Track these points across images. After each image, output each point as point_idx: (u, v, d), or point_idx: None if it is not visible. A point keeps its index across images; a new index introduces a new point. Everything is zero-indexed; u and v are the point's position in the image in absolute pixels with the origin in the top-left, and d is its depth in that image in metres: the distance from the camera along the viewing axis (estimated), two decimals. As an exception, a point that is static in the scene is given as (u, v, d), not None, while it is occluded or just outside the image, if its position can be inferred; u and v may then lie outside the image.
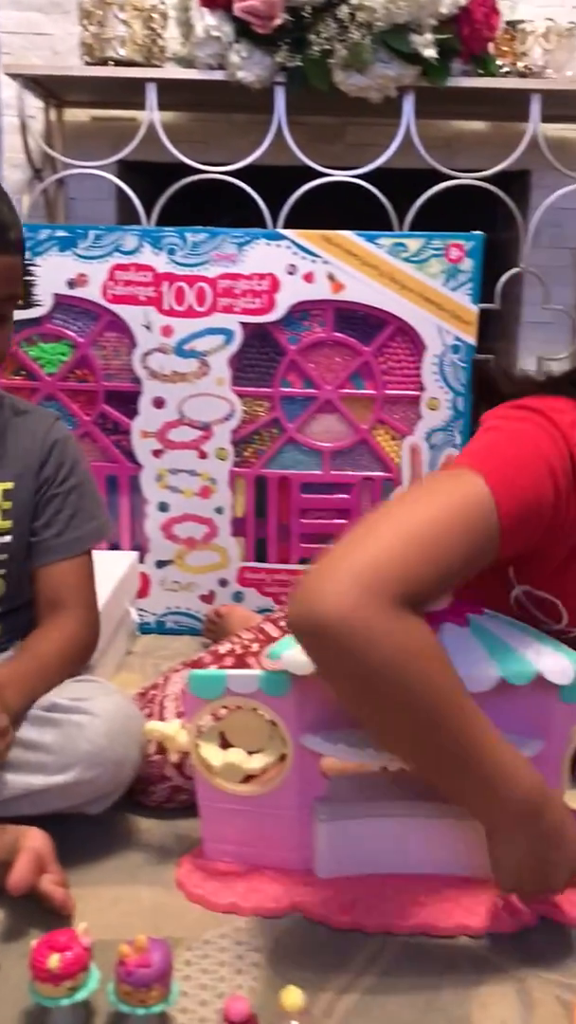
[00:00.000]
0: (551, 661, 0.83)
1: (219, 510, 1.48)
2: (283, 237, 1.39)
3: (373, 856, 0.90)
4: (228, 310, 1.40)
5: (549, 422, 0.83)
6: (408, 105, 1.73)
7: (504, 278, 1.81)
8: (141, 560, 1.50)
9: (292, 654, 0.85)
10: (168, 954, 0.71)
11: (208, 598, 1.51)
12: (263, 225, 1.73)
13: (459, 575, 0.79)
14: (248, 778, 0.91)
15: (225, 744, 0.91)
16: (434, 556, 0.75)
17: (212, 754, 0.89)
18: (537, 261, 2.10)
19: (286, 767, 0.89)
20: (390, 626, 0.71)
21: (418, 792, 0.92)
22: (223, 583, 1.51)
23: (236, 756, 0.89)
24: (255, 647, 1.11)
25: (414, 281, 1.39)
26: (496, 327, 2.28)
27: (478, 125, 2.11)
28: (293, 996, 0.71)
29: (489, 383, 1.00)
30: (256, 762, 0.89)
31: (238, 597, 1.51)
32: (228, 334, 1.41)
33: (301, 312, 1.42)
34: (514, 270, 1.82)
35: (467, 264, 1.39)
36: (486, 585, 0.91)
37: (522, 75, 1.79)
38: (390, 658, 0.71)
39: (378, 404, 1.44)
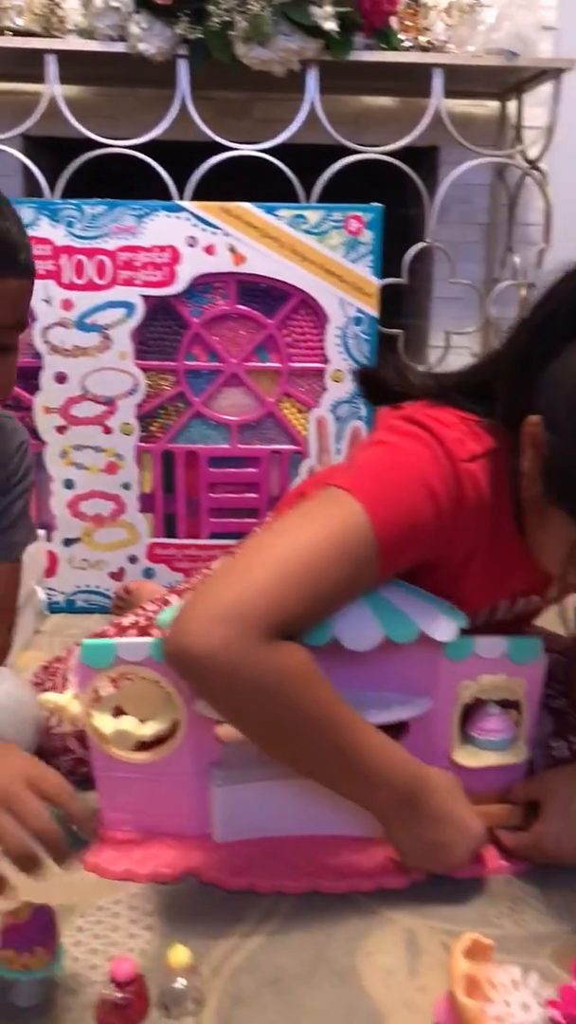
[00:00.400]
0: (434, 620, 0.85)
1: (126, 486, 1.47)
2: (183, 209, 1.38)
3: (269, 819, 0.91)
4: (129, 283, 1.39)
5: (435, 440, 0.81)
6: (312, 79, 1.72)
7: (411, 252, 1.82)
8: (48, 539, 1.48)
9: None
10: (50, 918, 0.71)
11: (118, 575, 1.51)
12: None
13: (337, 601, 0.81)
14: (148, 747, 0.92)
15: (121, 714, 0.91)
16: (305, 587, 0.77)
17: (104, 722, 0.89)
18: (447, 237, 2.12)
19: (180, 733, 0.89)
20: (255, 659, 0.74)
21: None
22: (133, 560, 1.50)
23: (128, 723, 0.89)
24: (158, 619, 1.11)
25: (315, 253, 1.39)
26: (409, 303, 2.30)
27: (385, 101, 2.11)
28: (180, 954, 0.72)
29: (378, 383, 1.00)
30: (148, 729, 0.89)
31: (148, 573, 1.50)
32: (130, 307, 1.40)
33: (203, 285, 1.41)
34: (420, 244, 1.83)
35: (367, 236, 1.40)
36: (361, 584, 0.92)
37: (424, 50, 1.79)
38: (256, 688, 0.75)
39: (283, 377, 1.44)
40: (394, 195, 2.10)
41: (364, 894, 0.85)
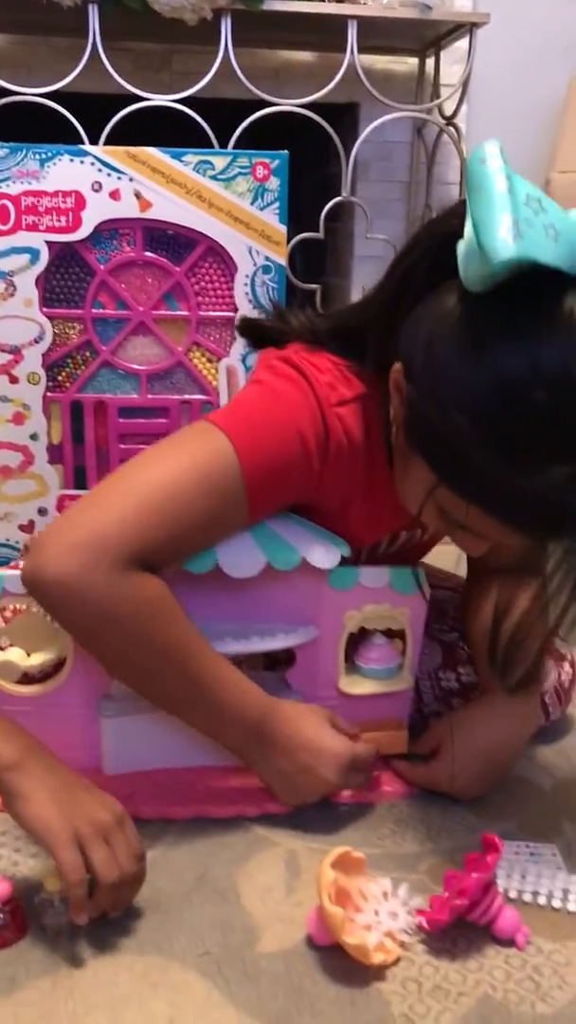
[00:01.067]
0: (316, 547, 0.86)
1: (34, 437, 1.45)
2: (87, 154, 1.36)
3: (158, 751, 0.91)
4: (33, 228, 1.36)
5: (308, 384, 0.82)
6: (225, 28, 1.71)
7: (327, 207, 1.82)
8: (-44, 490, 1.45)
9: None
10: None
11: (27, 528, 1.49)
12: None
13: (202, 536, 0.81)
14: (40, 682, 0.91)
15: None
16: (167, 518, 0.77)
17: (-11, 656, 0.89)
18: (369, 195, 2.13)
19: (68, 666, 0.89)
20: (108, 587, 0.75)
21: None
22: (42, 512, 1.49)
23: (13, 655, 0.89)
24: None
25: (221, 200, 1.38)
26: (332, 262, 2.30)
27: (305, 56, 2.10)
28: (55, 878, 0.72)
29: (259, 330, 1.00)
30: (34, 660, 0.89)
31: (59, 525, 1.49)
32: (34, 253, 1.37)
33: (110, 231, 1.39)
34: (337, 199, 1.83)
35: (274, 183, 1.39)
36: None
37: (339, 1, 1.79)
38: (108, 616, 0.76)
39: (192, 326, 1.43)
40: (317, 154, 2.10)
41: (250, 820, 0.87)
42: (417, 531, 0.97)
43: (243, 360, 1.45)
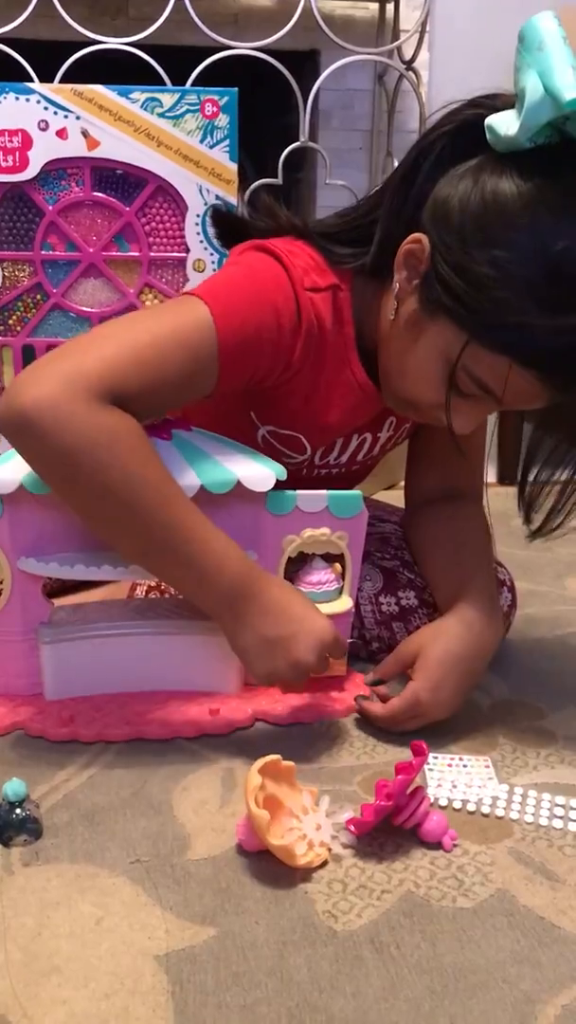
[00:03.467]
0: (251, 469, 0.86)
1: (-13, 381, 1.44)
2: (32, 91, 1.34)
3: (98, 677, 0.92)
4: (-21, 168, 1.35)
5: (283, 267, 0.85)
6: (179, -31, 1.68)
7: (285, 153, 1.80)
8: None
9: (-3, 474, 0.84)
10: None
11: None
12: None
13: (173, 392, 0.82)
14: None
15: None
16: (144, 364, 0.79)
17: None
18: (331, 144, 2.11)
19: (5, 593, 0.89)
20: (82, 413, 0.74)
21: (144, 614, 0.95)
22: (-3, 457, 1.48)
23: (-52, 584, 0.89)
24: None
25: (170, 137, 1.37)
26: (293, 210, 2.28)
27: (264, 1, 2.07)
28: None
29: (233, 225, 1.01)
30: (-31, 587, 0.89)
31: (14, 471, 1.48)
32: (-19, 194, 1.36)
33: (58, 170, 1.38)
34: (295, 144, 1.81)
35: (223, 120, 1.38)
36: (233, 427, 0.94)
37: None
38: (80, 442, 0.74)
39: (144, 267, 1.42)
40: (280, 102, 2.07)
41: (189, 740, 0.88)
42: (366, 438, 0.98)
43: (196, 303, 1.44)
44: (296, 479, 0.99)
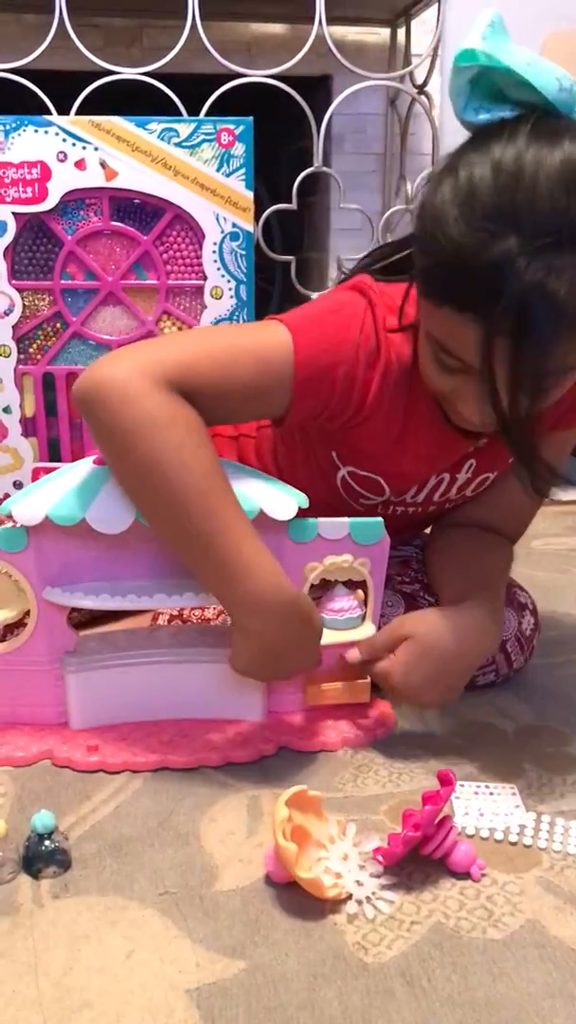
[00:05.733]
0: (273, 498, 0.86)
1: (7, 410, 1.46)
2: (51, 124, 1.36)
3: (124, 705, 0.92)
4: (-1, 200, 1.37)
5: (368, 304, 0.87)
6: (193, 1, 1.70)
7: (300, 178, 1.82)
8: None
9: (22, 508, 0.85)
10: None
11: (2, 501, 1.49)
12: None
13: (241, 401, 0.85)
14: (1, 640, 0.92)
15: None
16: (220, 365, 0.83)
17: (-48, 614, 0.90)
18: (344, 167, 2.13)
19: (31, 623, 0.90)
20: (149, 392, 0.78)
21: (168, 642, 0.95)
22: (17, 485, 1.50)
23: (-24, 613, 0.89)
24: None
25: (187, 167, 1.39)
26: (310, 237, 2.30)
27: (276, 28, 2.10)
28: None
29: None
30: (-3, 616, 0.89)
31: (35, 498, 1.49)
32: (1, 225, 1.38)
33: (76, 201, 1.40)
34: (309, 170, 1.83)
35: (239, 149, 1.39)
36: (315, 466, 0.99)
37: (306, -30, 1.78)
38: (141, 417, 0.78)
39: (162, 295, 1.44)
40: (294, 128, 2.10)
41: (214, 768, 0.88)
42: (444, 478, 0.98)
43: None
44: (370, 514, 1.00)
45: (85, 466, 0.88)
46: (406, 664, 0.88)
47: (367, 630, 0.93)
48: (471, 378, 0.78)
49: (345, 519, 0.90)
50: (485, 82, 0.74)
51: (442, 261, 0.73)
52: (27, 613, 0.90)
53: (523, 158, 0.70)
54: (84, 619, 1.08)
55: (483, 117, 0.75)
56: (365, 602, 0.94)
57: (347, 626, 0.92)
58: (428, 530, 1.11)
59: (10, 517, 0.87)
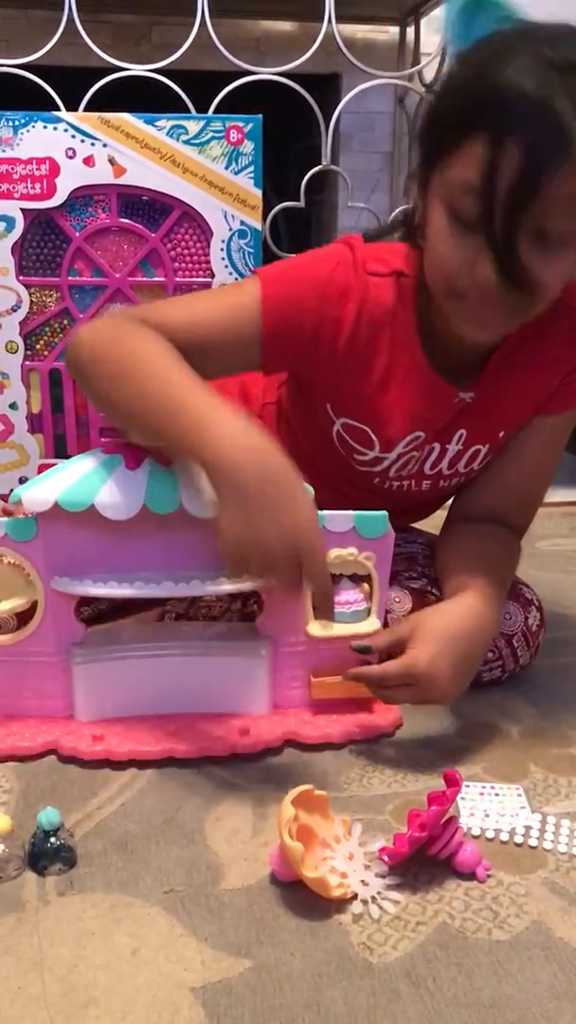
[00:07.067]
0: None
1: (13, 406, 1.46)
2: (60, 120, 1.36)
3: (130, 697, 0.92)
4: (7, 196, 1.37)
5: (350, 251, 0.91)
6: (202, -2, 1.70)
7: (307, 176, 1.81)
8: None
9: (32, 494, 0.85)
10: None
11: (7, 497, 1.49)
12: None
13: (216, 350, 0.89)
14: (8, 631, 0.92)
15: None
16: (192, 311, 0.89)
17: (-42, 604, 0.89)
18: (352, 166, 2.13)
19: (39, 614, 0.90)
20: (121, 319, 0.87)
21: (175, 635, 0.95)
22: (23, 481, 1.49)
23: (-17, 605, 0.89)
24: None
25: (196, 164, 1.38)
26: (317, 236, 2.30)
27: (285, 26, 2.10)
28: (1, 822, 0.73)
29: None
30: (3, 606, 0.89)
31: (41, 494, 1.49)
32: (9, 221, 1.38)
33: (84, 197, 1.40)
34: (317, 168, 1.82)
35: (248, 147, 1.39)
36: (313, 420, 1.01)
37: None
38: (113, 334, 0.86)
39: (169, 292, 1.43)
40: (302, 126, 2.09)
41: (220, 767, 0.88)
42: (435, 447, 0.98)
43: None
44: (370, 490, 1.02)
45: (93, 456, 0.88)
46: (428, 653, 0.84)
47: (373, 624, 0.93)
48: (481, 247, 0.78)
49: (350, 512, 0.90)
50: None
51: (460, 87, 0.78)
52: (35, 603, 0.90)
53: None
54: (91, 616, 1.08)
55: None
56: (370, 596, 0.94)
57: (353, 619, 0.92)
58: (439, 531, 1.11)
59: (19, 506, 0.87)
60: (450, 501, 1.09)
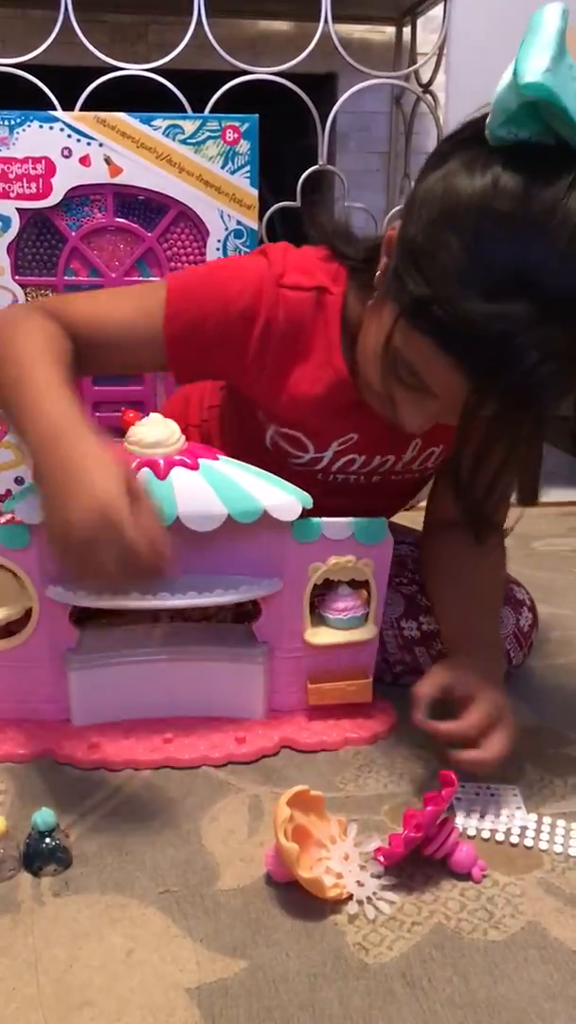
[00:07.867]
0: (277, 498, 0.86)
1: (10, 405, 1.45)
2: (56, 119, 1.36)
3: (126, 702, 0.92)
4: (3, 195, 1.36)
5: (266, 261, 0.87)
6: (198, -3, 1.70)
7: (304, 176, 1.81)
8: None
9: (24, 505, 0.85)
10: None
11: (4, 497, 1.49)
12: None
13: (118, 347, 0.88)
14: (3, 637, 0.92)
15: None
16: (98, 305, 0.89)
17: (-48, 609, 0.89)
18: (348, 166, 2.13)
19: (33, 620, 0.90)
20: (23, 309, 0.89)
21: (171, 640, 0.95)
22: (19, 481, 1.50)
23: (-23, 610, 0.89)
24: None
25: (192, 164, 1.38)
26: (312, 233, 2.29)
27: (282, 26, 2.09)
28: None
29: None
30: (-2, 613, 0.89)
31: (37, 494, 1.49)
32: (5, 221, 1.37)
33: (80, 197, 1.39)
34: (314, 167, 1.82)
35: (244, 147, 1.39)
36: (247, 428, 0.98)
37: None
38: (10, 318, 0.86)
39: (166, 292, 1.43)
40: (298, 126, 2.09)
41: (216, 768, 0.88)
42: (389, 459, 0.96)
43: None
44: (312, 484, 0.95)
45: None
46: (500, 699, 0.83)
47: (370, 630, 0.93)
48: (429, 396, 0.75)
49: (349, 519, 0.90)
50: (530, 105, 0.68)
51: (448, 295, 0.68)
52: (29, 611, 0.90)
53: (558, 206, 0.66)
54: (85, 615, 1.08)
55: (511, 135, 0.69)
56: (368, 602, 0.94)
57: (351, 625, 0.92)
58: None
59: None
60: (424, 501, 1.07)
